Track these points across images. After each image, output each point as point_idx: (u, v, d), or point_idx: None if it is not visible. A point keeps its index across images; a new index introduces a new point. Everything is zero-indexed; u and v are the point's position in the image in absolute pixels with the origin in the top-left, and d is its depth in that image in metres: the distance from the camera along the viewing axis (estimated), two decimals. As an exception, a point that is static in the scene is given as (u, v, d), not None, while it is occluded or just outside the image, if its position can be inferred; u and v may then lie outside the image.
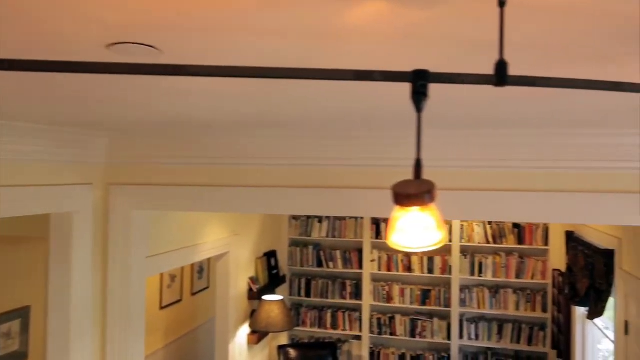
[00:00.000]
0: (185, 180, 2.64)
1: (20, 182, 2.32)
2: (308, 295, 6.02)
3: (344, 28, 0.82)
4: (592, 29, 0.88)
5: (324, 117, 2.01)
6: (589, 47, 0.98)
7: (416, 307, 5.76)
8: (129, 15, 0.78)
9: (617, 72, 1.21)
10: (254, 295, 4.92)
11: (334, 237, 5.97)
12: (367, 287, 5.87)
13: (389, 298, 5.84)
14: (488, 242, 5.59)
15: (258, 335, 4.90)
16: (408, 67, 0.71)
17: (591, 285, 3.62)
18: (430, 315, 5.78)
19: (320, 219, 6.00)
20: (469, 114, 1.88)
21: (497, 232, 5.56)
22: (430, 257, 5.74)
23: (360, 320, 5.90)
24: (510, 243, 5.52)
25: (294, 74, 0.62)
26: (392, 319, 5.82)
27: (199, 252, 3.88)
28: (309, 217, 6.02)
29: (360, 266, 5.91)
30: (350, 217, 5.94)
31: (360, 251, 5.93)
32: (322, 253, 6.04)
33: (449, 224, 5.69)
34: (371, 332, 5.85)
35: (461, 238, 5.65)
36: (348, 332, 5.94)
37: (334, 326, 5.96)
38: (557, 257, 5.21)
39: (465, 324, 5.67)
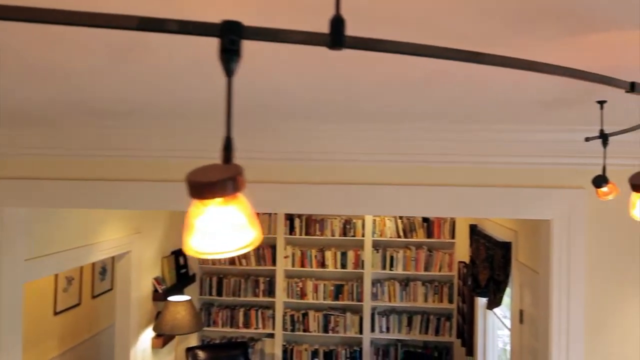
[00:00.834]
0: (63, 174, 2.38)
1: None
2: (219, 294, 5.82)
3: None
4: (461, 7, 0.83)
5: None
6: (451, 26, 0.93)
7: (329, 302, 5.76)
8: None
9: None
10: (160, 296, 4.66)
11: (247, 233, 5.81)
12: (280, 283, 5.78)
13: (302, 294, 5.79)
14: (399, 237, 5.70)
15: (163, 338, 4.65)
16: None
17: (491, 277, 3.77)
18: (343, 310, 5.81)
19: (232, 215, 5.81)
20: (360, 106, 1.83)
21: (408, 227, 5.69)
22: (343, 252, 5.76)
23: (274, 317, 5.80)
24: (419, 237, 5.67)
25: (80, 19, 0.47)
26: (305, 315, 5.78)
27: (94, 252, 3.58)
28: (220, 213, 5.81)
29: (274, 263, 5.81)
30: (264, 213, 5.81)
31: (273, 247, 5.82)
32: (234, 250, 5.85)
33: (361, 219, 5.74)
34: (284, 329, 5.77)
35: (373, 233, 5.72)
36: (261, 330, 5.82)
37: (247, 325, 5.82)
38: (463, 250, 5.42)
39: (376, 317, 5.75)
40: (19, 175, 2.45)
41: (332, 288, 5.76)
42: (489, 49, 0.90)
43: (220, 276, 5.86)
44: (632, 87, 0.72)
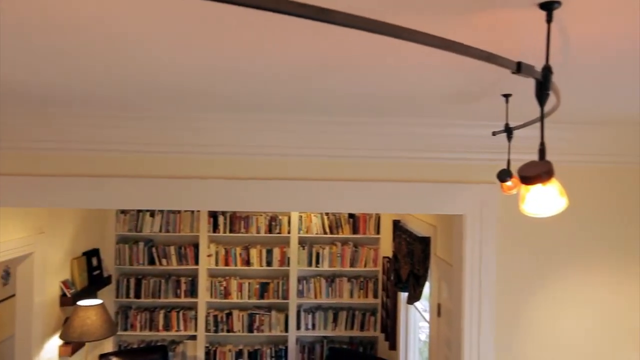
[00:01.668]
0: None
1: None
2: (138, 296, 5.52)
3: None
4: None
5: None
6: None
7: (254, 301, 5.63)
8: None
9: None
10: (68, 300, 4.33)
11: (167, 231, 5.55)
12: (203, 283, 5.58)
13: (226, 293, 5.61)
14: (325, 233, 5.66)
15: (72, 345, 4.33)
16: None
17: (411, 271, 3.81)
18: (269, 308, 5.70)
19: (152, 213, 5.54)
20: (268, 96, 1.73)
21: (334, 223, 5.66)
22: (269, 249, 5.64)
23: (196, 318, 5.58)
24: (345, 233, 5.66)
25: None
26: (229, 315, 5.61)
27: (-14, 254, 3.24)
28: (139, 210, 5.52)
29: (197, 262, 5.59)
30: (186, 210, 5.58)
31: (196, 246, 5.60)
32: (154, 249, 5.58)
33: (287, 216, 5.65)
34: (207, 330, 5.57)
35: (299, 229, 5.65)
36: (182, 333, 5.58)
37: (167, 327, 5.56)
38: (388, 246, 5.47)
39: (302, 314, 5.69)
40: None
41: (257, 286, 5.63)
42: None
43: (138, 277, 5.56)
44: (518, 68, 0.67)
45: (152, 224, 5.53)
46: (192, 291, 5.60)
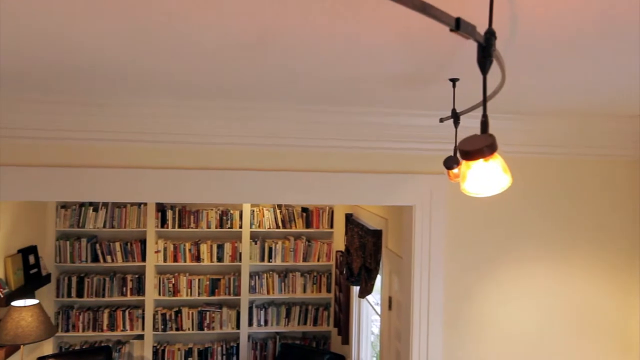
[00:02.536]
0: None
1: None
2: (80, 295, 5.25)
3: None
4: None
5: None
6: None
7: (205, 298, 5.47)
8: None
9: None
10: (2, 301, 4.05)
11: (113, 227, 5.31)
12: (150, 280, 5.37)
13: (175, 291, 5.43)
14: (278, 227, 5.56)
15: (6, 349, 4.06)
16: None
17: (363, 265, 3.77)
18: (220, 305, 5.55)
19: (96, 207, 5.27)
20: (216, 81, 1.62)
21: (287, 217, 5.57)
22: (220, 244, 5.49)
23: (143, 317, 5.37)
24: (298, 227, 5.58)
25: None
26: (178, 313, 5.43)
27: None
28: (81, 205, 5.24)
29: (143, 258, 5.37)
30: (132, 204, 5.35)
31: (143, 242, 5.38)
32: (98, 246, 5.32)
33: (239, 210, 5.52)
34: (155, 329, 5.37)
35: (251, 224, 5.52)
36: (129, 332, 5.36)
37: (112, 327, 5.32)
38: (341, 240, 5.43)
39: (254, 310, 5.58)
40: None
41: (207, 283, 5.47)
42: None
43: (80, 275, 5.28)
44: (457, 24, 0.60)
45: (96, 219, 5.27)
46: (139, 289, 5.39)
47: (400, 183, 2.33)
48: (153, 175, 2.22)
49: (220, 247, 5.50)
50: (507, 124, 2.33)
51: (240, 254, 5.51)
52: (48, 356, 4.59)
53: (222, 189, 2.21)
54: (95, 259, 5.31)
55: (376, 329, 4.58)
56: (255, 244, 5.55)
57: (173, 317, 5.41)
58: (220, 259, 5.49)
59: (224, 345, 5.52)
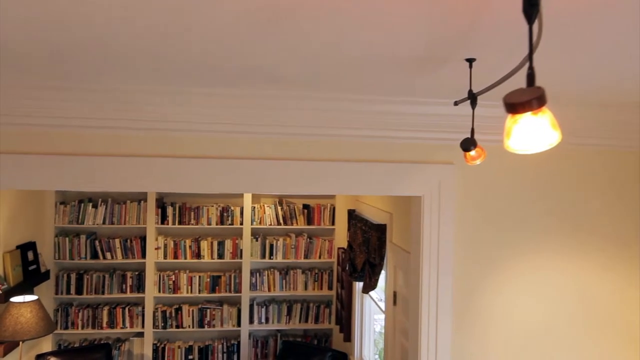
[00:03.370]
0: None
1: None
2: (80, 292, 5.20)
3: None
4: None
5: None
6: None
7: (205, 295, 5.42)
8: None
9: None
10: (1, 297, 4.00)
11: (112, 223, 5.25)
12: (150, 277, 5.31)
13: (175, 288, 5.38)
14: (279, 224, 5.51)
15: (4, 346, 4.00)
16: None
17: (366, 260, 3.72)
18: (220, 302, 5.50)
19: (95, 204, 5.22)
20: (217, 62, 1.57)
21: (288, 214, 5.53)
22: (220, 241, 5.44)
23: (143, 315, 5.32)
24: (300, 224, 5.53)
25: None
26: (178, 310, 5.38)
27: None
28: (81, 201, 5.19)
29: (144, 255, 5.32)
30: (132, 201, 5.30)
31: (143, 238, 5.33)
32: (97, 243, 5.27)
33: (240, 206, 5.47)
34: (155, 326, 5.32)
35: (252, 220, 5.48)
36: (128, 330, 5.30)
37: (112, 325, 5.27)
38: (342, 236, 5.39)
39: (255, 308, 5.53)
40: None
41: (208, 280, 5.42)
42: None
43: (80, 272, 5.23)
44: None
45: (95, 215, 5.21)
46: (139, 286, 5.33)
47: (409, 173, 2.28)
48: (156, 163, 2.17)
49: (221, 244, 5.45)
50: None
51: (241, 250, 5.46)
52: (47, 353, 4.53)
53: (237, 178, 2.16)
54: (94, 255, 5.26)
55: (378, 327, 4.53)
56: (256, 240, 5.51)
57: (173, 314, 5.36)
58: (220, 256, 5.44)
59: (225, 343, 5.47)
